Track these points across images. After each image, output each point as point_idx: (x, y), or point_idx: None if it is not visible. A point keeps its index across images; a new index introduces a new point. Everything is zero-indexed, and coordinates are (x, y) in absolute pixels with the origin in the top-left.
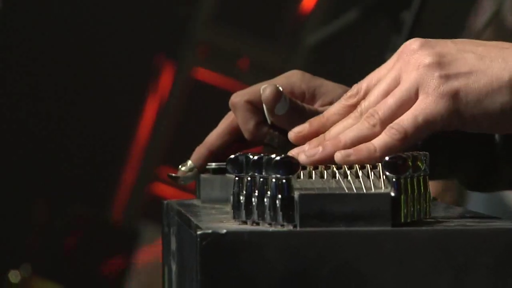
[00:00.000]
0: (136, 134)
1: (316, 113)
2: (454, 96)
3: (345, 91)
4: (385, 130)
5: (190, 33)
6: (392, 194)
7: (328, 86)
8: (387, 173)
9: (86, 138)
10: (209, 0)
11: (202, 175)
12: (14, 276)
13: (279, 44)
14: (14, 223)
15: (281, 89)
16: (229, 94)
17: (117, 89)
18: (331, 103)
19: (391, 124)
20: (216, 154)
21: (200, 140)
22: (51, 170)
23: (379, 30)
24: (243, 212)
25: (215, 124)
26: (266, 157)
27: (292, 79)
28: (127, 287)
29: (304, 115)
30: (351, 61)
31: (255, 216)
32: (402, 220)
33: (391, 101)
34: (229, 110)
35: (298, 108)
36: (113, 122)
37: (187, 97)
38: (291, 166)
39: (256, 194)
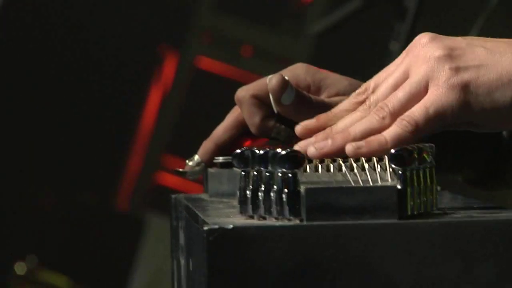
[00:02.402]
0: (140, 123)
1: (323, 103)
2: (465, 88)
3: (351, 83)
4: (396, 122)
5: (193, 21)
6: (399, 186)
7: (333, 78)
8: (393, 166)
9: (90, 127)
10: None
11: (210, 169)
12: (20, 268)
13: (283, 31)
14: (19, 213)
15: (287, 79)
16: (232, 82)
17: (121, 78)
18: (336, 94)
19: (402, 116)
20: (223, 148)
21: (203, 129)
22: (56, 159)
23: (383, 17)
24: (250, 207)
25: (218, 112)
26: (272, 151)
27: (297, 71)
28: (133, 277)
29: (310, 105)
30: (354, 49)
31: (261, 211)
32: (409, 213)
33: (400, 94)
34: (232, 98)
35: (304, 98)
36: (117, 111)
37: (190, 85)
38: (297, 160)
39: (263, 188)
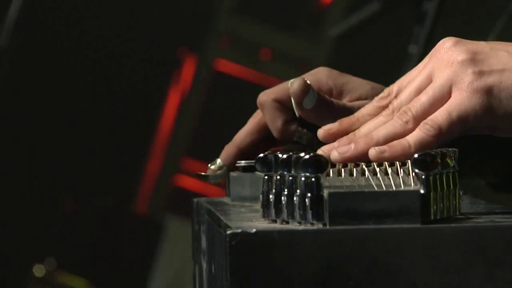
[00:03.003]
0: (159, 126)
1: (344, 107)
2: (488, 92)
3: (373, 87)
4: (419, 127)
5: (212, 24)
6: (422, 191)
7: (355, 82)
8: (416, 170)
9: (110, 129)
10: None
11: (232, 173)
12: (39, 270)
13: (301, 35)
14: (39, 216)
15: (308, 82)
16: (250, 85)
17: (140, 81)
18: (358, 99)
19: (425, 120)
20: (245, 152)
21: (222, 131)
22: (76, 162)
23: (402, 21)
24: (273, 211)
25: (236, 115)
26: (295, 155)
27: (318, 75)
28: (152, 280)
29: (332, 109)
30: (373, 52)
31: (284, 215)
32: (432, 217)
33: (424, 98)
34: (250, 101)
35: (326, 102)
36: (137, 113)
37: (209, 88)
38: (320, 164)
39: (286, 192)
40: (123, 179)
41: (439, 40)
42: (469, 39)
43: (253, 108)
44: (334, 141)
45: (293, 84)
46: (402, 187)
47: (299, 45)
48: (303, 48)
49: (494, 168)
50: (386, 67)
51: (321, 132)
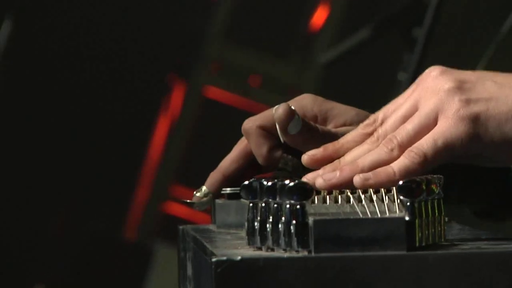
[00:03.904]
0: (148, 152)
1: (329, 133)
2: (474, 120)
3: (358, 113)
4: (404, 154)
5: (201, 50)
6: (407, 218)
7: (340, 108)
8: (402, 197)
9: (99, 156)
10: (220, 17)
11: (217, 200)
12: None
13: (291, 61)
14: (28, 242)
15: (293, 108)
16: (239, 112)
17: (129, 107)
18: (343, 125)
19: (410, 148)
20: (230, 179)
21: (211, 159)
22: (66, 188)
23: (392, 48)
24: (258, 238)
25: (226, 142)
26: (280, 182)
27: (303, 102)
28: None
29: (317, 135)
30: (363, 79)
31: (269, 242)
32: (417, 244)
33: (409, 126)
34: (240, 128)
35: (311, 128)
36: (126, 140)
37: (198, 115)
38: (306, 192)
39: (271, 220)
40: (112, 205)
41: (428, 67)
42: (459, 66)
43: (242, 135)
44: (319, 167)
45: (277, 110)
46: (387, 214)
47: (289, 71)
48: (292, 75)
49: (478, 195)
50: (376, 94)
51: (305, 158)
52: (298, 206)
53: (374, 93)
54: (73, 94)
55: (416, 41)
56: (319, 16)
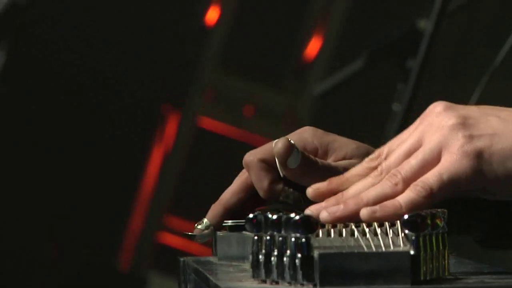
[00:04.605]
0: (142, 183)
1: (329, 167)
2: (478, 155)
3: (358, 147)
4: (410, 188)
5: (196, 80)
6: (412, 252)
7: (340, 141)
8: (407, 231)
9: (94, 185)
10: (215, 47)
11: (218, 233)
12: None
13: (285, 91)
14: (22, 273)
15: (292, 142)
16: (233, 142)
17: (123, 138)
18: (344, 158)
19: (415, 182)
20: (231, 211)
21: (205, 189)
22: (60, 218)
23: (386, 78)
24: (263, 271)
25: (220, 173)
26: (285, 216)
27: (304, 135)
28: None
29: (317, 169)
30: (357, 110)
31: (274, 275)
32: (422, 278)
33: (413, 161)
34: (233, 158)
35: (310, 162)
36: (120, 170)
37: (192, 145)
38: (311, 225)
39: (276, 253)
40: (107, 236)
41: (423, 98)
42: (453, 96)
43: (236, 165)
44: (323, 200)
45: (277, 144)
46: (392, 247)
47: (283, 101)
48: (286, 105)
49: (480, 224)
50: (370, 125)
51: (310, 191)
52: (303, 240)
53: (368, 123)
54: (68, 125)
55: (410, 72)
56: (313, 47)
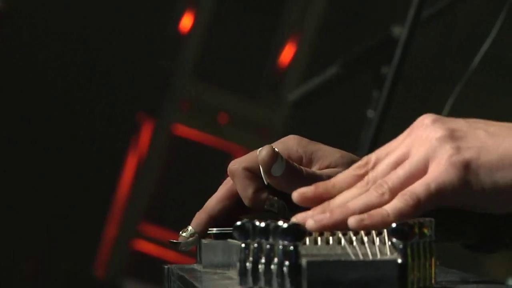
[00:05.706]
0: (117, 190)
1: (314, 175)
2: (466, 167)
3: (342, 156)
4: (397, 197)
5: (170, 89)
6: (399, 260)
7: (325, 150)
8: (394, 240)
9: (68, 193)
10: (189, 56)
11: (203, 240)
12: None
13: (259, 99)
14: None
15: (277, 150)
16: (208, 149)
17: (98, 145)
18: (328, 167)
19: (403, 191)
20: (216, 219)
21: (180, 196)
22: (34, 228)
23: (361, 85)
24: (250, 279)
25: (194, 180)
26: (273, 224)
27: (288, 143)
28: None
29: (301, 177)
30: (332, 117)
31: (262, 283)
32: (409, 287)
33: (400, 172)
34: (208, 165)
35: (295, 170)
36: (94, 178)
37: (167, 152)
38: (299, 233)
39: (263, 260)
40: (81, 243)
41: (397, 105)
42: (428, 103)
43: (211, 172)
44: (309, 205)
45: (261, 152)
46: (379, 256)
47: (257, 109)
48: (261, 113)
49: (469, 229)
50: (345, 132)
51: (295, 196)
52: (291, 248)
53: (344, 130)
54: (41, 134)
55: (385, 79)
56: (288, 54)
